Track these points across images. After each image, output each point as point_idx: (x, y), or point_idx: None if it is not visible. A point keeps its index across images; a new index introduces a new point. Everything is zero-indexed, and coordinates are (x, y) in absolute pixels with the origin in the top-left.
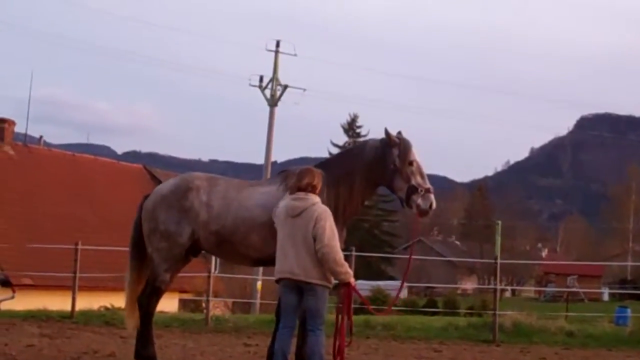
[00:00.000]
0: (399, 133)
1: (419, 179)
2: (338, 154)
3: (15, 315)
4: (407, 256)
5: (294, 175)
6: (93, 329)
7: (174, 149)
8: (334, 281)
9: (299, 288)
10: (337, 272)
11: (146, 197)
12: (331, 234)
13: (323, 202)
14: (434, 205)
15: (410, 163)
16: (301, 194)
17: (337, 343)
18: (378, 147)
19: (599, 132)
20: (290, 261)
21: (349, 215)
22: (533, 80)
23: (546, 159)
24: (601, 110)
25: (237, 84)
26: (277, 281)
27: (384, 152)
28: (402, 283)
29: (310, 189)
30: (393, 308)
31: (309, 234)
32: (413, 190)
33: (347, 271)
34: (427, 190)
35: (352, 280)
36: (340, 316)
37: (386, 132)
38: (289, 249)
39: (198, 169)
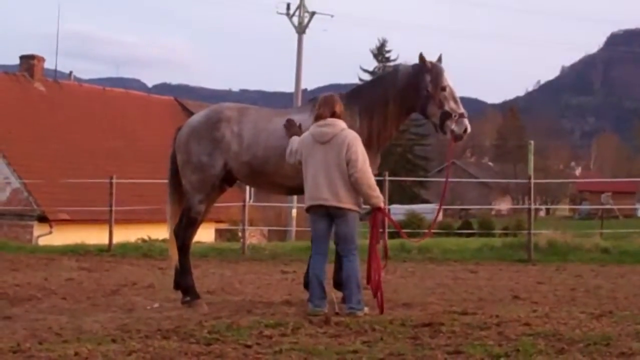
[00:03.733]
0: (439, 59)
1: (452, 104)
2: (370, 81)
3: (53, 250)
4: (441, 179)
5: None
6: (131, 262)
7: (205, 80)
8: (364, 207)
9: (329, 214)
10: (370, 196)
11: (179, 129)
12: (363, 159)
13: (355, 130)
14: (469, 129)
15: (443, 88)
16: (329, 120)
17: (371, 267)
18: (410, 74)
19: (630, 48)
20: (322, 188)
21: (383, 142)
22: None
23: (577, 77)
24: (632, 26)
25: (264, 13)
26: (307, 210)
27: (416, 78)
28: (439, 209)
29: (342, 115)
30: (427, 231)
31: (341, 160)
32: (447, 115)
33: (379, 195)
34: (461, 115)
35: (382, 204)
36: (372, 241)
37: (421, 57)
38: (321, 175)
39: (229, 100)
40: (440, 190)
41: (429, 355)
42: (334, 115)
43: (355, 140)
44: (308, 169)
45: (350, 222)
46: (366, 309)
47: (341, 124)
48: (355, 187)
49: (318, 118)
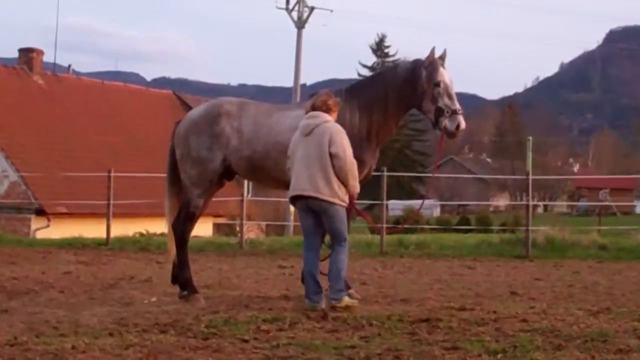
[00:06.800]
0: (443, 54)
1: (446, 100)
2: (370, 77)
3: (51, 243)
4: (439, 175)
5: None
6: (128, 255)
7: (203, 74)
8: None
9: (312, 209)
10: (353, 185)
11: (178, 123)
12: (350, 152)
13: (355, 125)
14: (462, 126)
15: (437, 84)
16: (314, 113)
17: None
18: (409, 70)
19: (629, 45)
20: (301, 179)
21: (383, 138)
22: None
23: (576, 74)
24: (631, 22)
25: (263, 7)
26: (292, 202)
27: (413, 74)
28: (422, 203)
29: (325, 108)
30: (425, 227)
31: (323, 151)
32: (440, 112)
33: (357, 184)
34: (454, 112)
35: (358, 190)
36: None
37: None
38: (302, 167)
39: (227, 94)
40: (437, 186)
41: (426, 351)
42: (322, 107)
43: (338, 133)
44: (294, 161)
45: (333, 216)
46: (355, 302)
47: (325, 116)
48: (342, 178)
49: (307, 111)
